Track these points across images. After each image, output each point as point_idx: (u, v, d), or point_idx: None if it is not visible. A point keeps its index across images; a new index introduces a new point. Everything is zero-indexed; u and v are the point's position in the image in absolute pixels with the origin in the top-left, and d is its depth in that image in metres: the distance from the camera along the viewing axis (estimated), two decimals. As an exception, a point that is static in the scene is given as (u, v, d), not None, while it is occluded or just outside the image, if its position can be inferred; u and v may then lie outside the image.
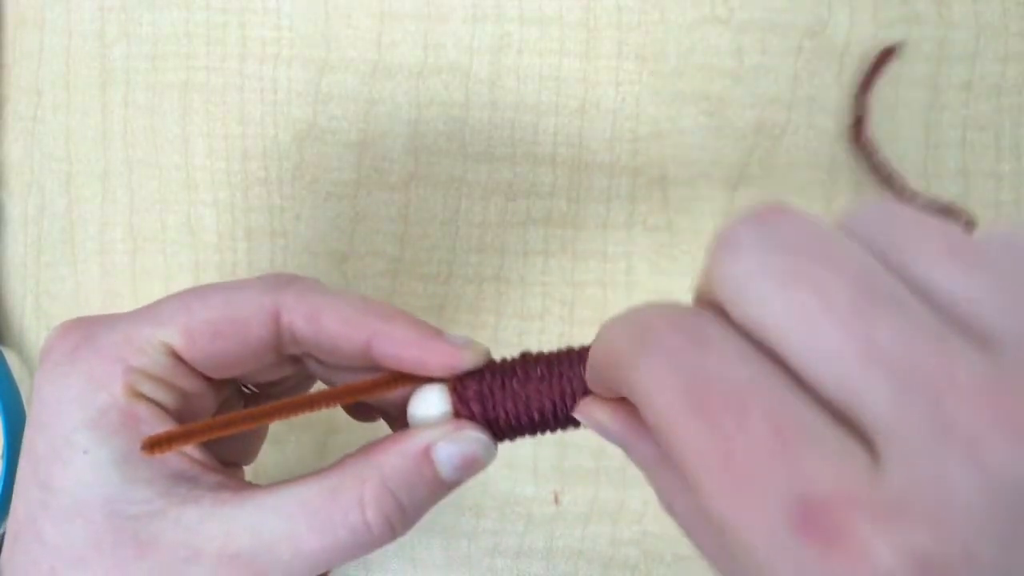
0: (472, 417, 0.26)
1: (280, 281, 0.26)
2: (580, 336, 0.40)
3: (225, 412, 0.29)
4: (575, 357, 0.25)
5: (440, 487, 0.25)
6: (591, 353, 0.22)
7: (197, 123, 0.41)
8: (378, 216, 0.40)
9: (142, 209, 0.41)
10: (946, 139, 0.39)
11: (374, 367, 0.26)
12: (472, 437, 0.25)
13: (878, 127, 0.39)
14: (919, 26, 0.39)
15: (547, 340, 0.40)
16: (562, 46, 0.40)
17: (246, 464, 0.31)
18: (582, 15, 0.40)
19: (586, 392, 0.24)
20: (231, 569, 0.23)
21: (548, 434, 0.26)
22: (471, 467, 0.25)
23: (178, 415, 0.26)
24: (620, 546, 0.40)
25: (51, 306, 0.42)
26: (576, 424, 0.26)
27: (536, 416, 0.25)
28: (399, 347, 0.25)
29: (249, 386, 0.31)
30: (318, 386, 0.32)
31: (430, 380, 0.26)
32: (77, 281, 0.42)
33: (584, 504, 0.40)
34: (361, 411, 0.30)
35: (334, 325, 0.25)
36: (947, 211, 0.38)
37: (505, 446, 0.39)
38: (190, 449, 0.25)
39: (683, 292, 0.39)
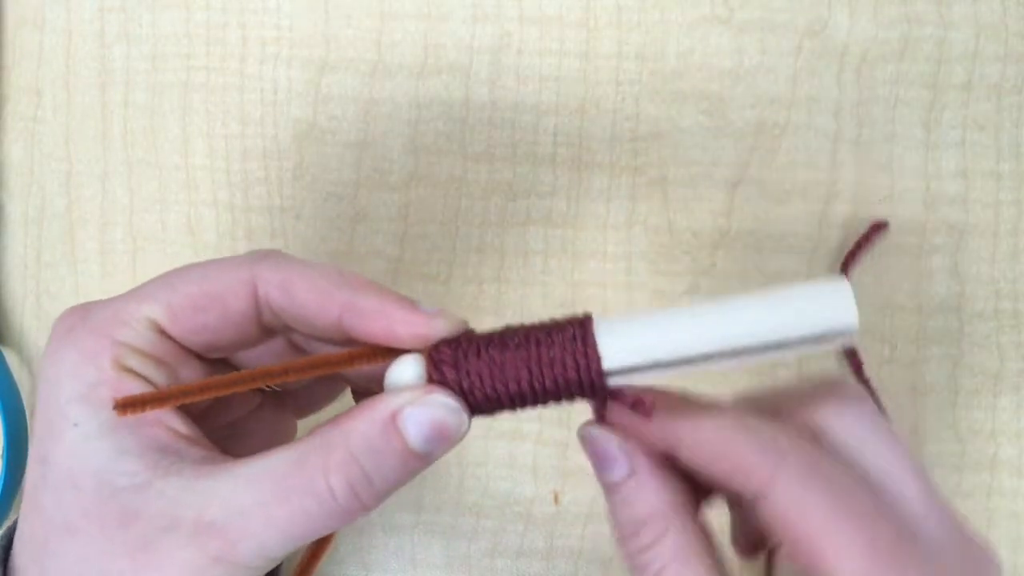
0: (444, 383, 0.25)
1: (258, 255, 0.27)
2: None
3: (235, 396, 0.30)
4: (555, 327, 0.25)
5: (410, 458, 0.25)
6: (667, 430, 0.25)
7: (197, 123, 0.41)
8: (378, 216, 0.40)
9: (142, 209, 0.41)
10: (946, 139, 0.39)
11: (352, 340, 0.26)
12: (442, 402, 0.25)
13: (878, 127, 0.39)
14: (919, 26, 0.39)
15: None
16: (562, 46, 0.40)
17: (315, 411, 0.32)
18: (582, 15, 0.40)
19: (564, 364, 0.24)
20: (205, 538, 0.23)
21: (526, 409, 0.25)
22: (441, 436, 0.25)
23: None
24: (620, 546, 0.40)
25: (51, 306, 0.42)
26: (556, 400, 0.25)
27: (513, 385, 0.25)
28: (369, 318, 0.25)
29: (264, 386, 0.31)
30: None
31: (407, 352, 0.25)
32: (77, 281, 0.42)
33: (584, 504, 0.40)
34: (366, 393, 0.30)
35: (306, 295, 0.26)
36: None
37: (506, 447, 0.39)
38: (178, 423, 0.25)
39: (683, 292, 0.39)
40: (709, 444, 0.24)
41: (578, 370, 0.24)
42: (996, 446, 0.39)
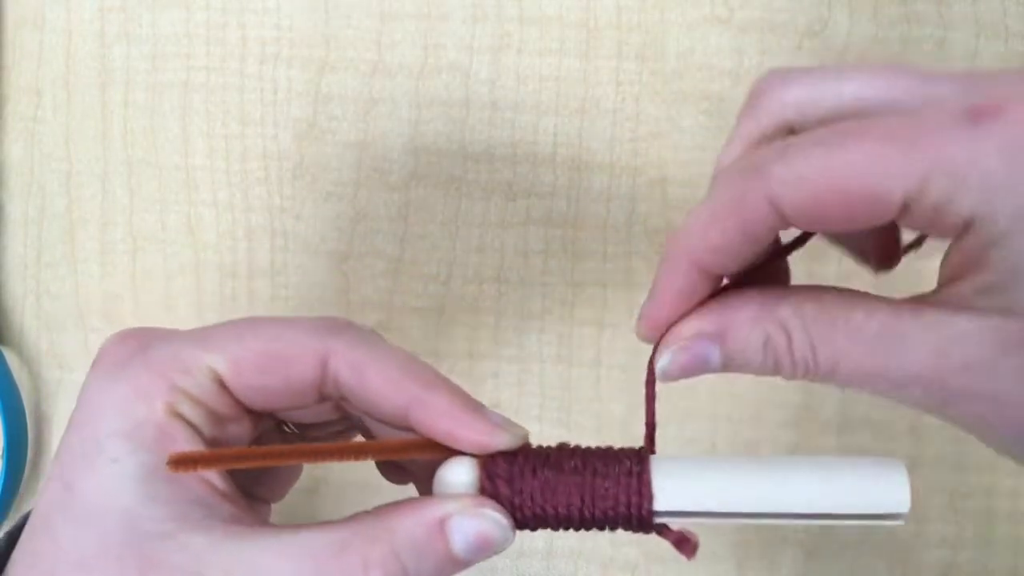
0: (496, 497, 0.25)
1: (335, 326, 0.26)
2: (580, 335, 0.40)
3: (258, 445, 0.29)
4: (612, 456, 0.25)
5: (450, 563, 0.24)
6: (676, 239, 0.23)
7: (197, 123, 0.41)
8: (378, 216, 0.40)
9: (142, 209, 0.41)
10: (946, 139, 0.39)
11: (410, 428, 0.26)
12: (491, 516, 0.25)
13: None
14: (919, 26, 0.39)
15: (547, 340, 0.40)
16: (562, 46, 0.40)
17: (273, 501, 0.31)
18: (582, 15, 0.40)
19: (616, 498, 0.24)
20: None
21: (569, 531, 0.26)
22: (485, 548, 0.25)
23: (212, 441, 0.26)
24: (620, 546, 0.39)
25: (51, 306, 0.42)
26: (601, 527, 0.25)
27: (563, 510, 0.25)
28: (435, 416, 0.25)
29: (290, 425, 0.31)
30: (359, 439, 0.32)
31: (463, 453, 0.25)
32: (77, 281, 0.42)
33: (584, 504, 0.40)
34: (393, 471, 0.30)
35: (377, 382, 0.25)
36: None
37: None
38: (214, 477, 0.25)
39: (683, 292, 0.39)
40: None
41: (629, 507, 0.25)
42: (996, 446, 0.39)
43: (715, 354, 0.24)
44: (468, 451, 0.25)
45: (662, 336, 0.25)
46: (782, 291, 0.24)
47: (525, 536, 0.39)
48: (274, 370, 0.26)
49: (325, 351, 0.26)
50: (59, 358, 0.42)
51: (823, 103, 0.23)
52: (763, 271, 0.25)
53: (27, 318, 0.42)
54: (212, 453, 0.24)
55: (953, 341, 0.21)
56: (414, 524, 0.24)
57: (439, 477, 0.25)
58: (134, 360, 0.25)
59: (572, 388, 0.40)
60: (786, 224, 0.22)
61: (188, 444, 0.25)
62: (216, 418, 0.26)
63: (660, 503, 0.25)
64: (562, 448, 0.26)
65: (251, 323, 0.26)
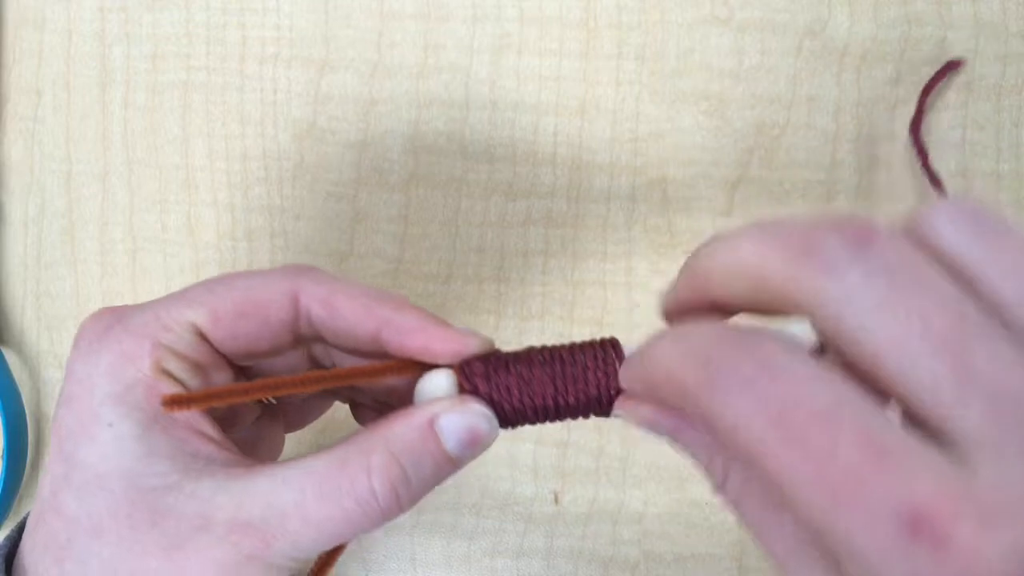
0: (476, 394, 0.26)
1: (300, 269, 0.28)
2: (580, 335, 0.40)
3: (245, 407, 0.31)
4: (578, 348, 0.27)
5: (445, 462, 0.26)
6: (639, 367, 0.24)
7: (197, 123, 0.41)
8: (378, 216, 0.40)
9: (142, 209, 0.41)
10: (946, 139, 0.39)
11: (384, 354, 0.27)
12: (476, 409, 0.26)
13: (877, 127, 0.39)
14: (919, 26, 0.39)
15: (547, 340, 0.40)
16: (562, 46, 0.40)
17: (298, 428, 0.33)
18: (582, 15, 0.40)
19: (587, 383, 0.26)
20: (239, 536, 0.24)
21: (549, 424, 0.27)
22: (474, 442, 0.26)
23: None
24: (620, 546, 0.40)
25: (51, 306, 0.42)
26: (574, 415, 0.27)
27: (539, 399, 0.26)
28: (406, 335, 0.26)
29: (269, 400, 0.32)
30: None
31: (437, 367, 0.27)
32: (77, 281, 0.42)
33: (584, 504, 0.40)
34: (370, 417, 0.31)
35: (347, 311, 0.27)
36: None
37: (506, 447, 0.39)
38: (209, 429, 0.26)
39: (683, 292, 0.39)
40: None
41: (599, 387, 0.26)
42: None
43: (663, 432, 0.25)
44: (443, 362, 0.27)
45: (624, 395, 0.26)
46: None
47: (525, 536, 0.40)
48: (250, 314, 0.27)
49: (295, 290, 0.27)
50: (59, 358, 0.42)
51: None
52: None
53: (27, 318, 0.42)
54: (203, 392, 0.25)
55: None
56: (406, 429, 0.25)
57: (419, 390, 0.27)
58: (114, 329, 0.26)
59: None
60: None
61: None
62: (200, 371, 0.27)
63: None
64: (530, 348, 0.27)
65: (222, 277, 0.28)
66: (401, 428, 0.25)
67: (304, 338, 0.28)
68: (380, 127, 0.40)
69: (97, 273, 0.42)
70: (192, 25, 0.41)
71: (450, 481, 0.40)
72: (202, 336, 0.27)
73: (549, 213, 0.40)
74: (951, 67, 0.38)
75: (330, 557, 0.27)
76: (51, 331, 0.42)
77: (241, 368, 0.29)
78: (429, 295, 0.40)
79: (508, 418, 0.27)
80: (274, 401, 0.33)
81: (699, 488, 0.39)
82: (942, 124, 0.39)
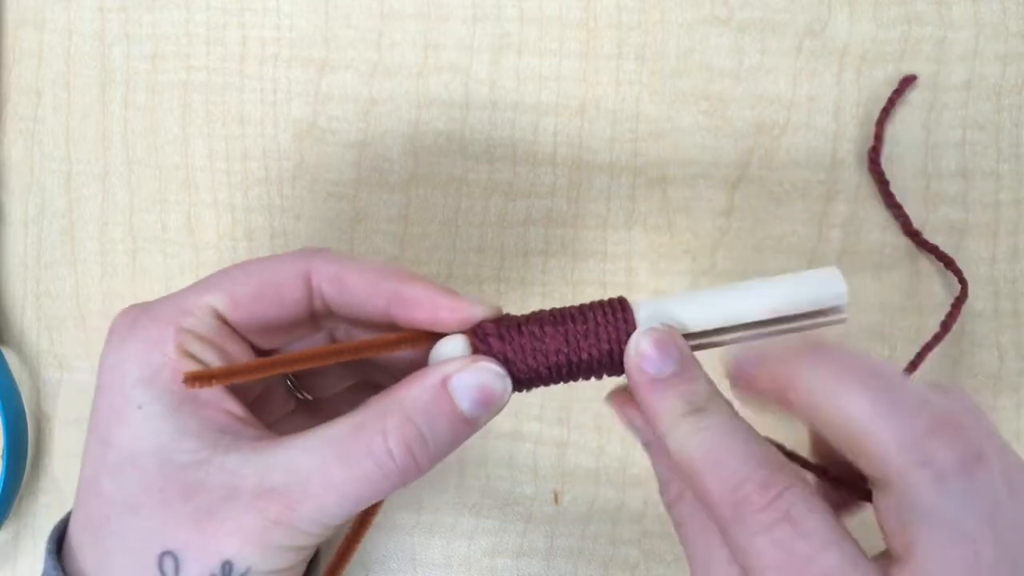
0: (491, 354, 0.27)
1: (312, 250, 0.29)
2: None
3: (277, 397, 0.32)
4: (588, 308, 0.27)
5: (460, 422, 0.26)
6: (669, 443, 0.26)
7: (197, 123, 0.41)
8: (378, 216, 0.40)
9: (142, 209, 0.41)
10: (946, 139, 0.39)
11: (395, 328, 0.28)
12: (488, 367, 0.26)
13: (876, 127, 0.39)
14: (919, 26, 0.39)
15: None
16: (562, 46, 0.40)
17: (324, 395, 0.34)
18: (582, 15, 0.40)
19: (598, 339, 0.27)
20: (265, 502, 0.25)
21: (563, 384, 0.28)
22: (488, 401, 0.26)
23: None
24: (620, 546, 0.40)
25: (51, 306, 0.42)
26: (589, 373, 0.28)
27: (552, 356, 0.27)
28: (415, 306, 0.27)
29: (303, 393, 0.34)
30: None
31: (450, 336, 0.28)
32: (77, 281, 0.42)
33: (584, 504, 0.40)
34: None
35: (357, 286, 0.28)
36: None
37: (506, 447, 0.39)
38: (234, 407, 0.27)
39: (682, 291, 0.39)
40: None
41: (610, 342, 0.27)
42: (996, 446, 0.39)
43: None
44: (452, 330, 0.27)
45: (623, 397, 0.28)
46: None
47: (525, 536, 0.40)
48: (265, 295, 0.28)
49: (307, 269, 0.28)
50: (59, 358, 0.42)
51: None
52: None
53: (27, 318, 0.42)
54: (223, 368, 0.26)
55: None
56: (419, 391, 0.26)
57: (432, 357, 0.27)
58: (140, 320, 0.27)
59: (572, 388, 0.40)
60: None
61: None
62: (223, 352, 0.28)
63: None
64: (540, 311, 0.28)
65: (240, 264, 0.29)
66: (415, 390, 0.26)
67: (320, 316, 0.29)
68: (380, 127, 0.40)
69: (97, 273, 0.42)
70: (192, 25, 0.41)
71: (450, 481, 0.40)
72: (222, 319, 0.28)
73: (549, 213, 0.40)
74: (906, 83, 0.38)
75: (367, 516, 0.28)
76: (51, 331, 0.42)
77: (266, 354, 0.30)
78: (429, 295, 0.40)
79: (522, 379, 0.27)
80: (309, 397, 0.33)
81: (699, 488, 0.39)
82: (942, 124, 0.39)
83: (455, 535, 0.40)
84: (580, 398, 0.40)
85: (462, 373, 0.26)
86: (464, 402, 0.26)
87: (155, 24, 0.41)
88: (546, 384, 0.28)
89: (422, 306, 0.27)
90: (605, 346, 0.27)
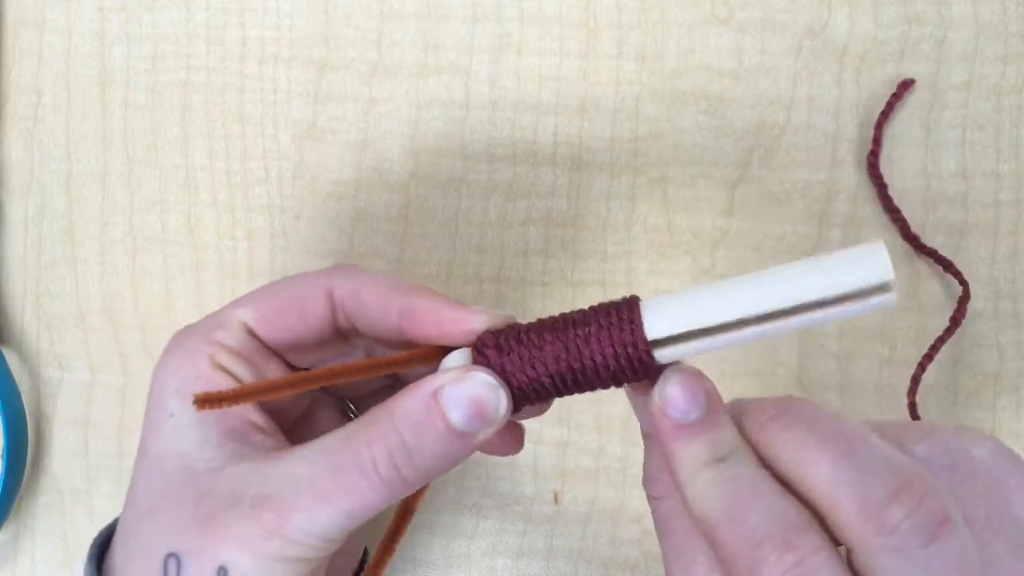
0: (488, 366, 0.26)
1: (337, 267, 0.30)
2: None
3: (313, 411, 0.33)
4: (591, 311, 0.26)
5: (451, 436, 0.25)
6: (683, 491, 0.25)
7: (197, 123, 0.41)
8: (378, 216, 0.40)
9: (142, 209, 0.41)
10: (946, 139, 0.39)
11: (412, 344, 0.28)
12: (479, 378, 0.26)
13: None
14: (919, 26, 0.39)
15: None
16: (562, 46, 0.40)
17: (351, 394, 0.35)
18: (582, 15, 0.40)
19: (601, 345, 0.25)
20: (260, 510, 0.25)
21: (578, 395, 0.26)
22: (480, 414, 0.25)
23: None
24: (620, 546, 0.40)
25: (51, 306, 0.42)
26: (594, 384, 0.26)
27: (551, 364, 0.25)
28: (422, 319, 0.27)
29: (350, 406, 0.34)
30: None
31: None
32: (77, 281, 0.42)
33: (584, 504, 0.40)
34: None
35: (371, 301, 0.28)
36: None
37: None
38: (257, 417, 0.28)
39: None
40: None
41: (613, 346, 0.25)
42: (996, 446, 0.39)
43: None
44: (458, 341, 0.27)
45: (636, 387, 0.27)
46: None
47: (525, 536, 0.40)
48: (289, 310, 0.29)
49: (329, 286, 0.29)
50: (59, 358, 0.42)
51: None
52: None
53: (27, 318, 0.42)
54: (232, 390, 0.27)
55: None
56: (410, 401, 0.26)
57: (439, 369, 0.27)
58: (184, 333, 0.29)
59: (572, 388, 0.40)
60: None
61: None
62: (252, 365, 0.29)
63: (652, 331, 0.25)
64: (547, 317, 0.27)
65: (270, 283, 0.30)
66: (406, 401, 0.26)
67: (348, 333, 0.30)
68: (380, 127, 0.40)
69: (97, 273, 0.42)
70: (192, 25, 0.41)
71: (450, 481, 0.40)
72: (251, 333, 0.29)
73: (549, 213, 0.40)
74: (904, 87, 0.38)
75: (400, 523, 0.28)
76: (51, 331, 0.42)
77: (299, 371, 0.30)
78: (429, 295, 0.40)
79: (525, 390, 0.26)
80: (357, 415, 0.34)
81: (699, 488, 0.39)
82: (942, 124, 0.39)
83: (455, 535, 0.40)
84: (580, 398, 0.39)
85: (453, 384, 0.25)
86: (455, 414, 0.25)
87: (155, 24, 0.41)
88: (553, 396, 0.26)
89: (429, 320, 0.27)
90: (609, 351, 0.25)
